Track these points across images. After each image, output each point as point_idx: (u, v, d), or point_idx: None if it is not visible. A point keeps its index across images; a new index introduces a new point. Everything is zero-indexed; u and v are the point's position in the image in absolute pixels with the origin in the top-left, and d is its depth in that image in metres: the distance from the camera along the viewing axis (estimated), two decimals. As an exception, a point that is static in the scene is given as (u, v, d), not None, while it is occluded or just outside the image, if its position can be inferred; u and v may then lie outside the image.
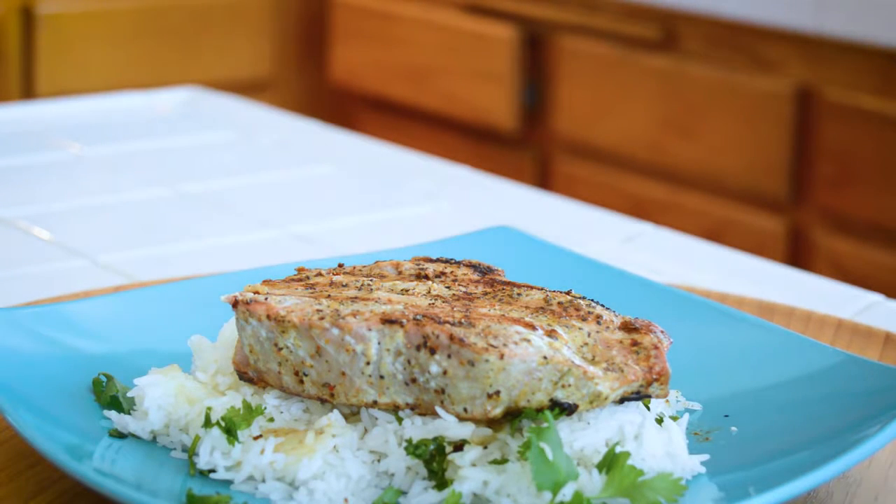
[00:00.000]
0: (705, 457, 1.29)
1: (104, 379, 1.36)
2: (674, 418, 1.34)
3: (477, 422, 1.24)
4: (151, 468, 1.25)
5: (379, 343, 1.26)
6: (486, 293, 1.36)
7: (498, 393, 1.22)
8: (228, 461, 1.25)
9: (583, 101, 4.18)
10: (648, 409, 1.30)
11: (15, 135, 2.62)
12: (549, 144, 4.33)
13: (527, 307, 1.32)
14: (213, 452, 1.25)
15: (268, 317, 1.29)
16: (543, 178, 4.32)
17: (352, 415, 1.29)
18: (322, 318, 1.27)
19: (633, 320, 1.31)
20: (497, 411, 1.23)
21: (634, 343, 1.29)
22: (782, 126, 3.67)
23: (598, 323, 1.30)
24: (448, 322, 1.25)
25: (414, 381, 1.25)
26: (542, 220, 2.19)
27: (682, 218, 3.87)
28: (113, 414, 1.32)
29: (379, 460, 1.25)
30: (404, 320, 1.26)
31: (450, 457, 1.22)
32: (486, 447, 1.23)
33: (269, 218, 2.21)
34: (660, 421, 1.29)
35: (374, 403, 1.27)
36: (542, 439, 1.18)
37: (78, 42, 4.42)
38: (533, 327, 1.26)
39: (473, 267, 1.43)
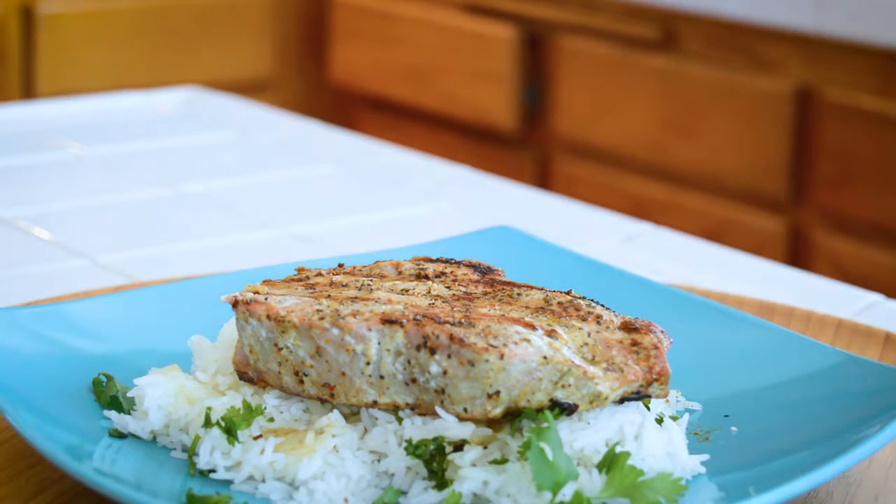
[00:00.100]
0: (705, 457, 1.29)
1: (104, 379, 1.36)
2: (674, 418, 1.34)
3: (477, 422, 1.24)
4: (151, 468, 1.25)
5: (379, 343, 1.26)
6: (486, 293, 1.36)
7: (498, 393, 1.22)
8: (228, 461, 1.25)
9: (583, 101, 4.18)
10: (648, 409, 1.30)
11: (15, 135, 2.62)
12: (549, 144, 4.33)
13: (527, 307, 1.32)
14: (213, 452, 1.25)
15: (268, 317, 1.29)
16: (543, 178, 4.32)
17: (352, 415, 1.29)
18: (322, 318, 1.27)
19: (633, 320, 1.31)
20: (497, 411, 1.23)
21: (634, 343, 1.29)
22: (782, 126, 3.67)
23: (598, 323, 1.30)
24: (448, 322, 1.25)
25: (414, 381, 1.25)
26: (542, 220, 2.19)
27: (682, 218, 3.87)
28: (113, 414, 1.32)
29: (379, 460, 1.25)
30: (404, 320, 1.26)
31: (450, 457, 1.22)
32: (486, 447, 1.23)
33: (269, 218, 2.21)
34: (660, 421, 1.29)
35: (374, 403, 1.27)
36: (542, 439, 1.18)
37: (78, 42, 4.42)
38: (533, 327, 1.26)
39: (473, 267, 1.43)
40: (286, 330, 1.28)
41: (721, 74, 3.80)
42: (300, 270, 1.41)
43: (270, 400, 1.30)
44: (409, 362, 1.25)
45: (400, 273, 1.42)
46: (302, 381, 1.29)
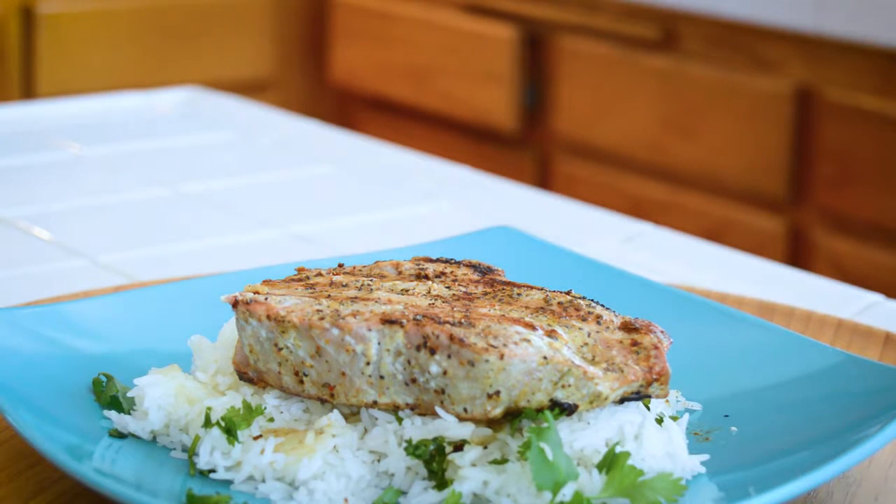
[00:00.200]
0: (705, 457, 1.29)
1: (104, 379, 1.36)
2: (674, 418, 1.34)
3: (477, 422, 1.24)
4: (151, 468, 1.25)
5: (379, 343, 1.26)
6: (486, 293, 1.36)
7: (498, 393, 1.22)
8: (228, 461, 1.25)
9: (583, 101, 4.18)
10: (648, 409, 1.30)
11: (15, 135, 2.62)
12: (549, 144, 4.33)
13: (527, 307, 1.32)
14: (213, 452, 1.25)
15: (268, 317, 1.29)
16: (543, 178, 4.32)
17: (352, 415, 1.29)
18: (322, 319, 1.27)
19: (633, 320, 1.31)
20: (497, 411, 1.23)
21: (634, 343, 1.29)
22: (782, 126, 3.67)
23: (598, 323, 1.30)
24: (448, 322, 1.25)
25: (414, 381, 1.25)
26: (542, 220, 2.19)
27: (682, 218, 3.87)
28: (113, 414, 1.32)
29: (379, 460, 1.25)
30: (404, 320, 1.26)
31: (450, 457, 1.22)
32: (486, 447, 1.23)
33: (269, 218, 2.21)
34: (660, 421, 1.29)
35: (374, 403, 1.27)
36: (542, 439, 1.18)
37: (78, 42, 4.42)
38: (533, 327, 1.26)
39: (473, 267, 1.43)
40: (286, 330, 1.28)
41: (721, 74, 3.80)
42: (300, 270, 1.41)
43: (270, 400, 1.30)
44: (409, 362, 1.25)
45: (400, 273, 1.42)
46: (302, 381, 1.29)
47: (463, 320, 1.26)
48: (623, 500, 1.18)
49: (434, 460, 1.22)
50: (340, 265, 1.44)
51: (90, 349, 1.44)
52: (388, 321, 1.26)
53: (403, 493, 1.22)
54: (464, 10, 4.53)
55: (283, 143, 2.68)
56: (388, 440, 1.24)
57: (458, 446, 1.23)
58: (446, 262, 1.45)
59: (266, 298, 1.32)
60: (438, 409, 1.24)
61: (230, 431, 1.25)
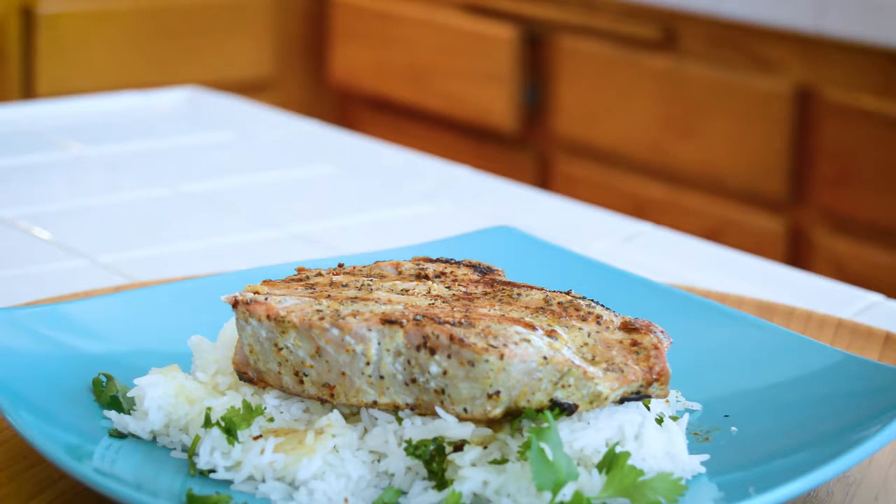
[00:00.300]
0: (705, 457, 1.29)
1: (104, 379, 1.36)
2: (674, 418, 1.34)
3: (477, 422, 1.24)
4: (151, 468, 1.25)
5: (379, 343, 1.26)
6: (486, 293, 1.36)
7: (498, 393, 1.22)
8: (228, 461, 1.25)
9: (583, 101, 4.18)
10: (648, 409, 1.30)
11: (15, 135, 2.62)
12: (549, 144, 4.33)
13: (527, 307, 1.32)
14: (213, 452, 1.25)
15: (268, 317, 1.29)
16: (543, 178, 4.32)
17: (352, 415, 1.29)
18: (322, 319, 1.27)
19: (633, 320, 1.31)
20: (497, 411, 1.23)
21: (634, 343, 1.29)
22: (782, 126, 3.67)
23: (598, 323, 1.30)
24: (448, 322, 1.25)
25: (414, 381, 1.25)
26: (542, 220, 2.19)
27: (682, 218, 3.87)
28: (113, 414, 1.32)
29: (379, 460, 1.25)
30: (404, 320, 1.26)
31: (450, 457, 1.22)
32: (486, 447, 1.23)
33: (269, 218, 2.21)
34: (660, 421, 1.29)
35: (374, 404, 1.27)
36: (542, 439, 1.18)
37: (78, 42, 4.42)
38: (533, 327, 1.26)
39: (473, 267, 1.43)
40: (286, 330, 1.28)
41: (721, 74, 3.80)
42: (300, 270, 1.41)
43: (270, 400, 1.30)
44: (409, 362, 1.25)
45: (400, 273, 1.42)
46: (302, 382, 1.29)
47: (463, 320, 1.26)
48: (623, 500, 1.18)
49: (434, 460, 1.22)
50: (340, 265, 1.44)
51: (90, 349, 1.44)
52: (388, 321, 1.26)
53: (403, 493, 1.22)
54: (464, 10, 4.53)
55: (283, 143, 2.68)
56: (388, 440, 1.24)
57: (458, 446, 1.23)
58: (446, 262, 1.45)
59: (266, 298, 1.32)
60: (438, 409, 1.24)
61: (230, 431, 1.25)
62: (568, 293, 1.35)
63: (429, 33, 4.61)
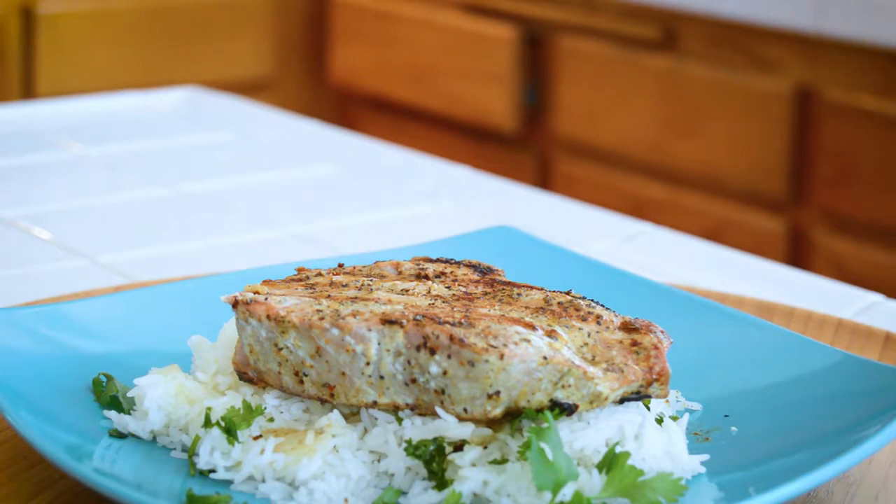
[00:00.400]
0: (705, 457, 1.29)
1: (104, 379, 1.36)
2: (674, 418, 1.34)
3: (477, 422, 1.24)
4: (151, 468, 1.25)
5: (379, 343, 1.26)
6: (486, 293, 1.36)
7: (498, 393, 1.22)
8: (228, 461, 1.25)
9: (583, 101, 4.18)
10: (648, 409, 1.30)
11: (15, 135, 2.62)
12: (549, 144, 4.33)
13: (527, 307, 1.32)
14: (213, 452, 1.25)
15: (268, 317, 1.29)
16: (543, 178, 4.32)
17: (352, 415, 1.29)
18: (322, 319, 1.27)
19: (633, 320, 1.31)
20: (497, 411, 1.23)
21: (634, 343, 1.29)
22: (782, 126, 3.67)
23: (598, 323, 1.30)
24: (448, 322, 1.25)
25: (414, 381, 1.25)
26: (542, 220, 2.19)
27: (682, 218, 3.87)
28: (113, 414, 1.32)
29: (379, 460, 1.25)
30: (404, 320, 1.26)
31: (450, 457, 1.22)
32: (486, 447, 1.23)
33: (269, 218, 2.21)
34: (660, 421, 1.29)
35: (374, 404, 1.27)
36: (542, 439, 1.18)
37: (78, 42, 4.42)
38: (533, 327, 1.26)
39: (473, 267, 1.43)
40: (286, 330, 1.28)
41: (721, 74, 3.80)
42: (300, 270, 1.41)
43: (270, 400, 1.30)
44: (409, 362, 1.25)
45: (400, 273, 1.42)
46: (302, 382, 1.29)
47: (463, 320, 1.26)
48: (623, 500, 1.18)
49: (434, 460, 1.22)
50: (340, 265, 1.44)
51: (90, 349, 1.44)
52: (388, 321, 1.26)
53: (403, 493, 1.22)
54: (464, 10, 4.53)
55: (283, 143, 2.68)
56: (388, 440, 1.24)
57: (458, 446, 1.23)
58: (446, 262, 1.45)
59: (266, 298, 1.32)
60: (438, 410, 1.24)
61: (230, 431, 1.25)
62: (568, 293, 1.35)
63: (429, 33, 4.61)
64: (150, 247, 2.06)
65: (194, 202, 2.29)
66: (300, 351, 1.28)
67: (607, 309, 1.33)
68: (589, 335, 1.29)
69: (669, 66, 3.92)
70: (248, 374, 1.32)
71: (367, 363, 1.26)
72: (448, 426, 1.23)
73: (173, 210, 2.25)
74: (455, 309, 1.30)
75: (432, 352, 1.23)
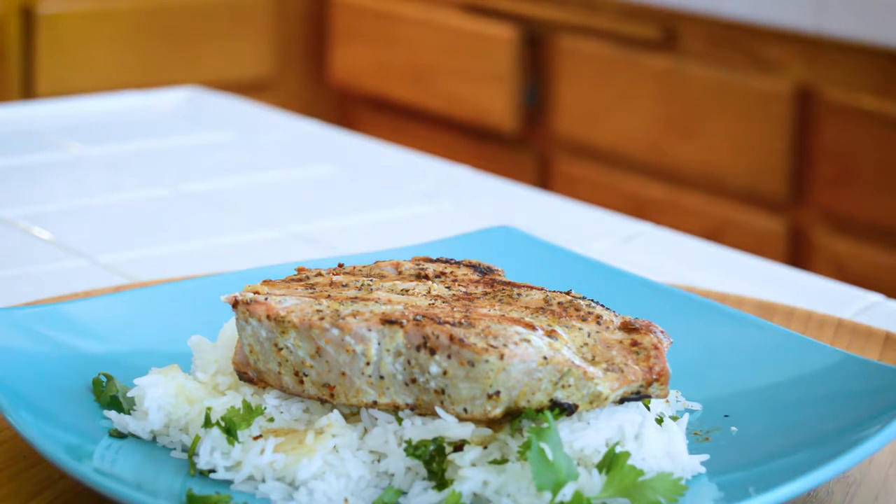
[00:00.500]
0: (705, 457, 1.29)
1: (104, 379, 1.36)
2: (674, 418, 1.34)
3: (477, 422, 1.24)
4: (151, 468, 1.25)
5: (379, 343, 1.26)
6: (486, 293, 1.36)
7: (498, 393, 1.22)
8: (228, 461, 1.25)
9: (583, 101, 4.18)
10: (648, 409, 1.30)
11: (15, 135, 2.62)
12: (549, 144, 4.33)
13: (527, 307, 1.32)
14: (213, 452, 1.25)
15: (268, 317, 1.29)
16: (543, 178, 4.32)
17: (352, 415, 1.29)
18: (322, 319, 1.27)
19: (633, 320, 1.31)
20: (497, 411, 1.23)
21: (634, 343, 1.29)
22: (782, 126, 3.67)
23: (598, 323, 1.30)
24: (448, 322, 1.25)
25: (414, 381, 1.25)
26: (542, 220, 2.19)
27: (682, 218, 3.87)
28: (113, 414, 1.32)
29: (379, 460, 1.25)
30: (404, 320, 1.26)
31: (450, 457, 1.22)
32: (486, 447, 1.23)
33: (269, 218, 2.21)
34: (660, 421, 1.29)
35: (374, 404, 1.27)
36: (542, 439, 1.18)
37: (78, 42, 4.42)
38: (533, 327, 1.26)
39: (473, 267, 1.43)
40: (286, 330, 1.28)
41: (721, 74, 3.80)
42: (300, 270, 1.41)
43: (270, 400, 1.30)
44: (408, 362, 1.25)
45: (400, 273, 1.42)
46: (302, 382, 1.29)
47: (463, 320, 1.26)
48: (623, 500, 1.18)
49: (434, 460, 1.22)
50: (340, 265, 1.44)
51: (90, 349, 1.44)
52: (388, 321, 1.26)
53: (403, 493, 1.22)
54: (464, 10, 4.53)
55: (283, 143, 2.68)
56: (388, 440, 1.24)
57: (458, 446, 1.23)
58: (446, 262, 1.45)
59: (266, 298, 1.32)
60: (438, 410, 1.24)
61: (230, 431, 1.25)
62: (568, 293, 1.35)
63: (429, 33, 4.61)
64: (150, 247, 2.06)
65: (194, 202, 2.29)
66: (300, 351, 1.28)
67: (607, 309, 1.33)
68: (589, 335, 1.29)
69: (669, 66, 3.92)
70: (248, 374, 1.32)
71: (367, 363, 1.26)
72: (448, 426, 1.23)
73: (173, 210, 2.25)
74: (455, 309, 1.30)
75: (432, 352, 1.23)
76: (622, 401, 1.26)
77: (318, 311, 1.29)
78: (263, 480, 1.23)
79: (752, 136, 3.74)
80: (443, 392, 1.24)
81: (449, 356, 1.23)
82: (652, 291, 1.61)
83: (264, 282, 1.37)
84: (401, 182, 2.45)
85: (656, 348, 1.28)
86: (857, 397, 1.35)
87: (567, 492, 1.17)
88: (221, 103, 2.90)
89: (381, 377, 1.26)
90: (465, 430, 1.23)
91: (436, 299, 1.33)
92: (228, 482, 1.24)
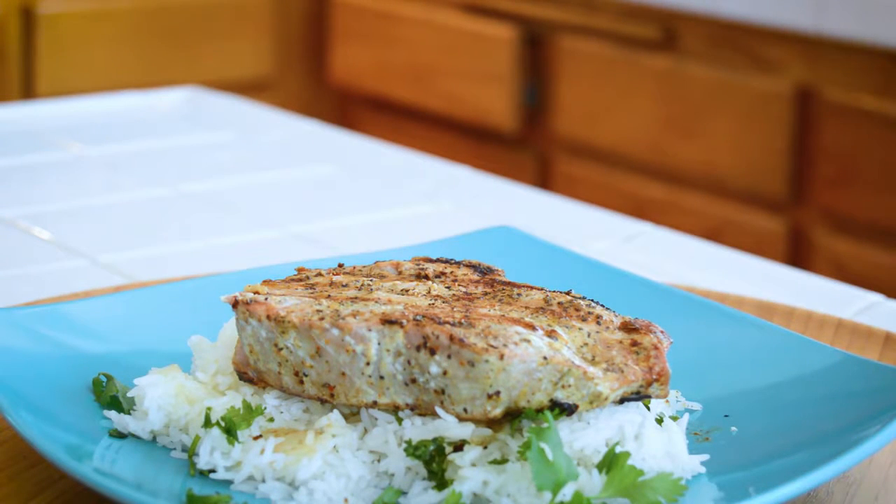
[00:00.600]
0: (705, 457, 1.29)
1: (104, 379, 1.36)
2: (674, 418, 1.34)
3: (477, 422, 1.24)
4: (151, 468, 1.25)
5: (379, 343, 1.26)
6: (486, 293, 1.36)
7: (498, 393, 1.22)
8: (228, 461, 1.25)
9: (583, 101, 4.18)
10: (648, 409, 1.30)
11: (15, 135, 2.62)
12: (549, 144, 4.33)
13: (527, 307, 1.32)
14: (213, 452, 1.25)
15: (268, 317, 1.29)
16: (543, 178, 4.32)
17: (352, 415, 1.29)
18: (322, 319, 1.27)
19: (633, 320, 1.31)
20: (497, 412, 1.23)
21: (634, 343, 1.29)
22: (782, 126, 3.67)
23: (598, 323, 1.30)
24: (448, 322, 1.25)
25: (414, 381, 1.25)
26: (542, 220, 2.19)
27: (682, 218, 3.87)
28: (113, 414, 1.32)
29: (379, 460, 1.25)
30: (404, 320, 1.26)
31: (450, 457, 1.22)
32: (486, 447, 1.23)
33: (269, 218, 2.21)
34: (660, 421, 1.29)
35: (374, 404, 1.27)
36: (542, 439, 1.18)
37: (78, 42, 4.42)
38: (533, 328, 1.26)
39: (473, 267, 1.43)
40: (286, 330, 1.28)
41: (721, 74, 3.80)
42: (300, 270, 1.41)
43: (270, 400, 1.30)
44: (408, 363, 1.25)
45: (400, 273, 1.42)
46: (302, 382, 1.29)
47: (463, 320, 1.26)
48: (623, 500, 1.18)
49: (434, 460, 1.22)
50: (340, 265, 1.44)
51: (90, 349, 1.44)
52: (388, 321, 1.26)
53: (403, 493, 1.22)
54: (464, 10, 4.53)
55: (283, 143, 2.68)
56: (388, 440, 1.24)
57: (458, 446, 1.23)
58: (446, 262, 1.45)
59: (266, 298, 1.32)
60: (438, 410, 1.24)
61: (230, 431, 1.25)
62: (568, 293, 1.35)
63: (429, 33, 4.61)
64: (150, 247, 2.06)
65: (194, 202, 2.29)
66: (300, 351, 1.28)
67: (607, 309, 1.33)
68: (589, 335, 1.29)
69: (669, 66, 3.92)
70: (248, 374, 1.32)
71: (367, 363, 1.26)
72: (448, 426, 1.23)
73: (173, 210, 2.25)
74: (455, 309, 1.30)
75: (432, 352, 1.23)
76: (622, 401, 1.26)
77: (318, 311, 1.29)
78: (263, 480, 1.23)
79: (752, 136, 3.74)
80: (443, 392, 1.24)
81: (449, 356, 1.23)
82: (652, 291, 1.61)
83: (264, 282, 1.37)
84: (401, 182, 2.45)
85: (656, 348, 1.28)
86: (857, 397, 1.35)
87: (567, 492, 1.17)
88: (221, 103, 2.90)
89: (381, 377, 1.26)
90: (465, 430, 1.23)
91: (436, 299, 1.33)
92: (228, 482, 1.24)
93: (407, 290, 1.36)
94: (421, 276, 1.41)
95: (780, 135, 3.67)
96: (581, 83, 4.18)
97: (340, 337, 1.26)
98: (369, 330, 1.26)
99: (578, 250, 1.78)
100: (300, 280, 1.39)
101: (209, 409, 1.28)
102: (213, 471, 1.25)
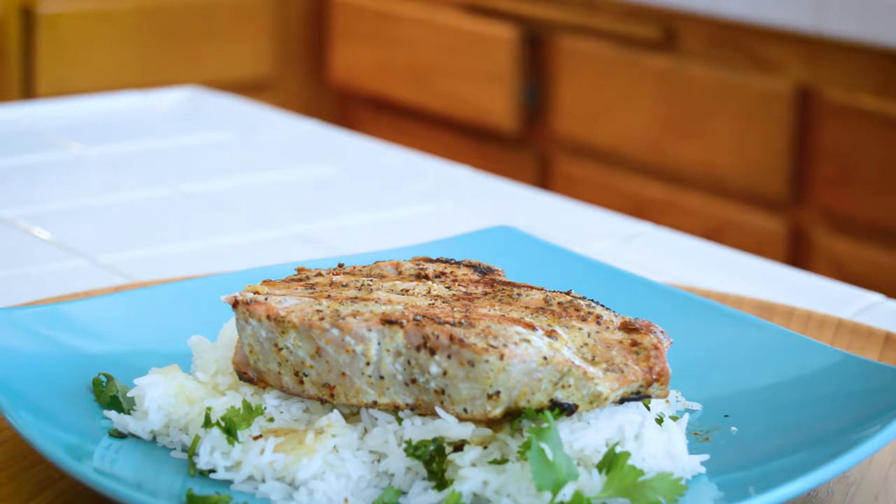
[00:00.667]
0: (705, 457, 1.29)
1: (104, 379, 1.36)
2: (674, 418, 1.34)
3: (477, 422, 1.24)
4: (151, 468, 1.25)
5: (379, 343, 1.26)
6: (486, 293, 1.36)
7: (498, 393, 1.22)
8: (228, 461, 1.25)
9: (583, 101, 4.18)
10: (648, 409, 1.30)
11: (15, 135, 2.62)
12: (549, 144, 4.33)
13: (527, 307, 1.32)
14: (213, 452, 1.25)
15: (268, 317, 1.29)
16: (543, 178, 4.32)
17: (352, 415, 1.29)
18: (322, 319, 1.27)
19: (633, 320, 1.31)
20: (497, 412, 1.23)
21: (634, 343, 1.29)
22: (782, 126, 3.67)
23: (598, 323, 1.30)
24: (448, 322, 1.25)
25: (414, 381, 1.25)
26: (542, 220, 2.19)
27: (682, 218, 3.87)
28: (113, 414, 1.32)
29: (379, 460, 1.25)
30: (404, 321, 1.26)
31: (450, 457, 1.22)
32: (486, 447, 1.23)
33: (269, 218, 2.21)
34: (660, 421, 1.29)
35: (374, 404, 1.27)
36: (542, 439, 1.18)
37: (78, 42, 4.42)
38: (533, 328, 1.26)
39: (473, 267, 1.43)
40: (286, 330, 1.28)
41: (721, 74, 3.80)
42: (300, 270, 1.41)
43: (270, 400, 1.30)
44: (408, 363, 1.25)
45: (400, 273, 1.42)
46: (302, 382, 1.29)
47: (463, 320, 1.26)
48: (623, 500, 1.18)
49: (434, 460, 1.22)
50: (340, 265, 1.44)
51: (90, 349, 1.44)
52: (388, 321, 1.26)
53: (403, 493, 1.22)
54: (464, 10, 4.53)
55: (283, 143, 2.68)
56: (388, 440, 1.24)
57: (458, 446, 1.23)
58: (446, 262, 1.45)
59: (266, 298, 1.32)
60: (438, 410, 1.24)
61: (230, 431, 1.25)
62: (568, 293, 1.35)
63: (429, 33, 4.61)
64: (150, 247, 2.06)
65: (194, 202, 2.29)
66: (300, 351, 1.28)
67: (607, 309, 1.33)
68: (589, 335, 1.29)
69: (669, 66, 3.92)
70: (248, 374, 1.32)
71: (367, 363, 1.26)
72: (448, 426, 1.23)
73: (173, 210, 2.25)
74: (455, 309, 1.30)
75: (432, 352, 1.23)
76: (622, 401, 1.26)
77: (318, 311, 1.29)
78: (263, 480, 1.23)
79: (752, 136, 3.74)
80: (443, 392, 1.24)
81: (449, 356, 1.23)
82: (652, 291, 1.61)
83: (264, 282, 1.37)
84: (401, 182, 2.45)
85: (656, 348, 1.28)
86: (857, 397, 1.35)
87: (567, 492, 1.17)
88: (221, 103, 2.90)
89: (381, 377, 1.26)
90: (465, 430, 1.23)
91: (436, 299, 1.33)
92: (228, 482, 1.24)
93: (407, 290, 1.36)
94: (421, 276, 1.41)
95: (780, 135, 3.67)
96: (581, 83, 4.18)
97: (340, 337, 1.26)
98: (369, 330, 1.26)
99: (578, 250, 1.78)
100: (300, 280, 1.39)
101: (209, 409, 1.28)
102: (213, 471, 1.25)
